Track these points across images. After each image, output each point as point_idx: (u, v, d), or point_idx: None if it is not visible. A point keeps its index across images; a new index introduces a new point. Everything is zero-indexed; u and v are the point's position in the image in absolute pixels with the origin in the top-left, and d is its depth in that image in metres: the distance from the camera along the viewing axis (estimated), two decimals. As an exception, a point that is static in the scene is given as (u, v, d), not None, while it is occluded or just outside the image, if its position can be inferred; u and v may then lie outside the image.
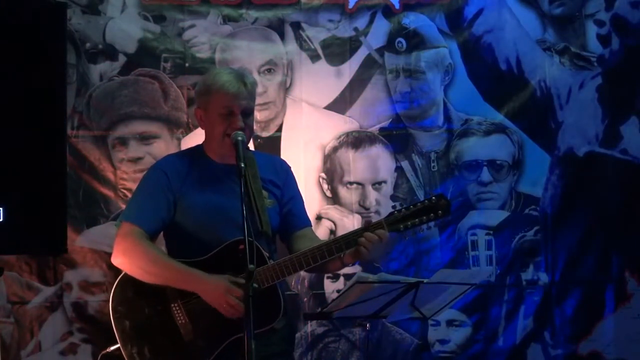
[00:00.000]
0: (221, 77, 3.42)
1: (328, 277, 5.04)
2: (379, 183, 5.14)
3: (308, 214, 3.64)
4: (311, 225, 3.63)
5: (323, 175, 5.10)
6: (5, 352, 4.79)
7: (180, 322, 3.32)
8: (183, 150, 3.80)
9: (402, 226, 3.35)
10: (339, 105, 5.13)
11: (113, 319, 3.35)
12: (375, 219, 4.38)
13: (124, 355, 3.32)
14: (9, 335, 4.83)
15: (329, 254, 3.32)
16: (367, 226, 3.36)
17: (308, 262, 3.31)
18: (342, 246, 3.33)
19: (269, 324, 3.28)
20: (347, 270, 4.98)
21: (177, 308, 3.32)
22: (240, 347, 3.04)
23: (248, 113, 3.40)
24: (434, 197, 3.40)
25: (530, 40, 5.23)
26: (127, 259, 3.36)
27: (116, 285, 3.38)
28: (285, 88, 5.10)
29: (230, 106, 3.36)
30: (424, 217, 3.36)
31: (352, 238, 3.34)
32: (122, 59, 4.99)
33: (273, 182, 3.50)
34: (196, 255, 3.33)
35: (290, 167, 3.63)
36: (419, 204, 3.38)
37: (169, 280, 3.32)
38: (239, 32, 5.09)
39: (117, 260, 3.39)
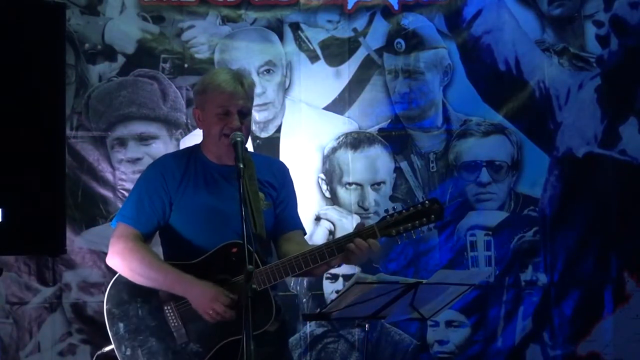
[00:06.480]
0: (218, 76, 3.42)
1: (327, 278, 5.04)
2: (378, 184, 5.13)
3: (307, 214, 3.63)
4: (302, 229, 3.57)
5: (322, 176, 5.10)
6: (4, 352, 4.79)
7: (173, 324, 3.31)
8: (181, 150, 3.78)
9: (394, 231, 3.30)
10: (338, 105, 5.13)
11: (107, 320, 3.34)
12: (374, 219, 4.36)
13: (118, 357, 3.32)
14: (8, 335, 4.83)
15: (321, 258, 3.27)
16: (359, 232, 3.31)
17: (300, 266, 3.27)
18: (334, 251, 3.28)
19: (261, 328, 3.23)
20: (346, 271, 4.98)
21: (170, 311, 3.32)
22: (233, 350, 3.03)
23: (245, 113, 3.38)
24: (427, 202, 3.34)
25: (529, 40, 5.23)
26: (121, 261, 3.35)
27: (110, 286, 3.38)
28: (284, 89, 5.09)
29: (227, 106, 3.35)
30: (417, 222, 3.31)
31: (344, 243, 3.28)
32: (121, 59, 4.99)
33: (270, 183, 3.48)
34: (191, 258, 3.32)
35: (288, 170, 3.60)
36: (411, 208, 3.33)
37: (160, 284, 3.31)
38: (237, 33, 5.09)
39: (111, 261, 3.39)
